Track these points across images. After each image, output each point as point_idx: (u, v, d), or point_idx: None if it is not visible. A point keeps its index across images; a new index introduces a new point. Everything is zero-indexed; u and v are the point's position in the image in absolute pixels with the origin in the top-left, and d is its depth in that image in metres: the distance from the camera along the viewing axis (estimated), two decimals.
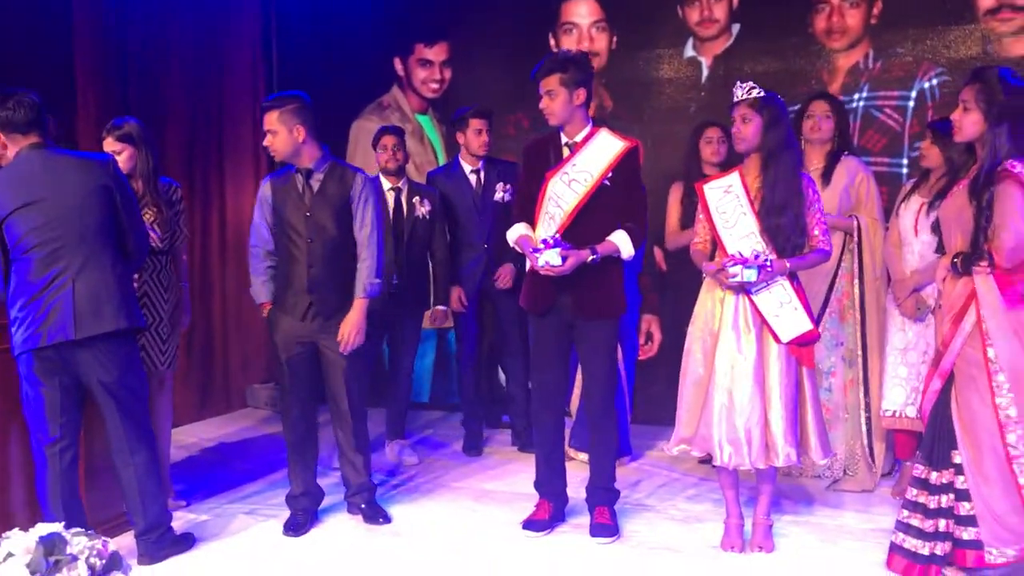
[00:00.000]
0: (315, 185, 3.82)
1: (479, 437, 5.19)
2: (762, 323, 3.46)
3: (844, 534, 3.77)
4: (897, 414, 4.15)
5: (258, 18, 6.52)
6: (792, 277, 3.50)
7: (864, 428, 4.34)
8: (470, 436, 5.16)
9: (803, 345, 3.46)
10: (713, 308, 3.55)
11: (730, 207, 3.54)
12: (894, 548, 3.30)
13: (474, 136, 4.93)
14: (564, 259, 3.52)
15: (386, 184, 4.87)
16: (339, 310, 3.82)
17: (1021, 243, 2.98)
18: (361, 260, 3.84)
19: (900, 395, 4.13)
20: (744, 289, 3.46)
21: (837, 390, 4.37)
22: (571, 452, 4.69)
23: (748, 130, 3.48)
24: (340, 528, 3.95)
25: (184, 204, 4.19)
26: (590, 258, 3.58)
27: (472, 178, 5.02)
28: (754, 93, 3.48)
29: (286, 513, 3.94)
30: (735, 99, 3.52)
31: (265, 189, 3.92)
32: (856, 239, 4.31)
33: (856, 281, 4.32)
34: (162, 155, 5.37)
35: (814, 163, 4.33)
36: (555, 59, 3.69)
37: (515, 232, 3.79)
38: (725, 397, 3.45)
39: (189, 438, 5.55)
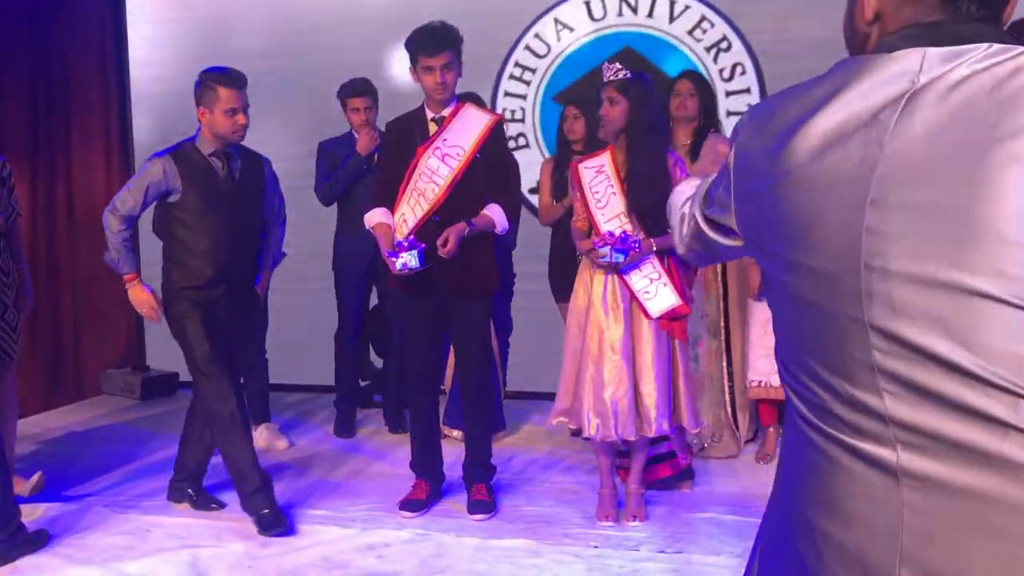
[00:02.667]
0: (236, 168, 3.69)
1: (352, 418, 5.07)
2: (631, 298, 3.51)
3: (714, 500, 3.88)
4: (763, 384, 4.30)
5: None
6: (669, 253, 3.54)
7: (727, 396, 4.48)
8: (342, 417, 5.02)
9: (674, 320, 3.53)
10: (588, 283, 3.58)
11: (601, 187, 3.57)
12: None
13: (352, 115, 4.73)
14: (422, 259, 3.47)
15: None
16: (248, 292, 3.84)
17: None
18: (272, 234, 3.96)
19: (765, 365, 4.27)
20: (615, 268, 3.49)
21: (703, 359, 4.48)
22: (445, 429, 4.65)
23: (615, 112, 3.47)
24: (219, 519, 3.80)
25: (14, 180, 3.88)
26: (466, 230, 3.54)
27: None
28: (621, 75, 3.48)
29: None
30: (603, 80, 3.51)
31: (169, 167, 3.57)
32: None
33: None
34: None
35: (681, 140, 4.40)
36: (448, 32, 3.51)
37: (373, 218, 3.66)
38: (593, 370, 3.50)
39: (37, 428, 5.22)
